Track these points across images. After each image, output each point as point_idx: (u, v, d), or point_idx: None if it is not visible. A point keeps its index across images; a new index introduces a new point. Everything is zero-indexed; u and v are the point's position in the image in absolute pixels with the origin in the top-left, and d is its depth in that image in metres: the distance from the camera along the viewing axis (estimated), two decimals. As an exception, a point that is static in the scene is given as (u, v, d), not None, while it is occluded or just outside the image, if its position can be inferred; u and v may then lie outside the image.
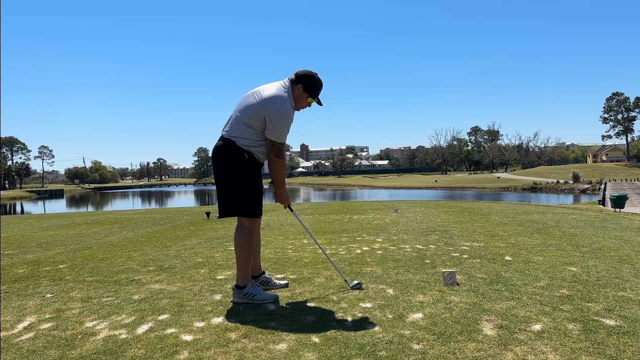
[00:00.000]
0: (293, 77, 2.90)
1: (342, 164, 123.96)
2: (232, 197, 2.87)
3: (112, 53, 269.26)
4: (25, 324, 2.66)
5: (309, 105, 2.96)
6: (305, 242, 5.36)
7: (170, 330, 2.44)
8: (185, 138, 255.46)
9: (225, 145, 2.85)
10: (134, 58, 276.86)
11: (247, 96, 2.90)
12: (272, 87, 2.86)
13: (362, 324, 2.44)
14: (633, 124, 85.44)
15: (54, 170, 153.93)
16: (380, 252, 4.50)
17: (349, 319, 2.53)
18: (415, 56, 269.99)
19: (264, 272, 3.18)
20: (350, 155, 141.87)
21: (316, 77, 2.91)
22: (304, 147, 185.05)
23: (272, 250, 4.78)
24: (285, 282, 3.24)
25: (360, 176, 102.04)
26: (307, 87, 2.88)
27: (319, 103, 2.96)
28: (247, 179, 2.86)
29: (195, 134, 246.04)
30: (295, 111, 2.93)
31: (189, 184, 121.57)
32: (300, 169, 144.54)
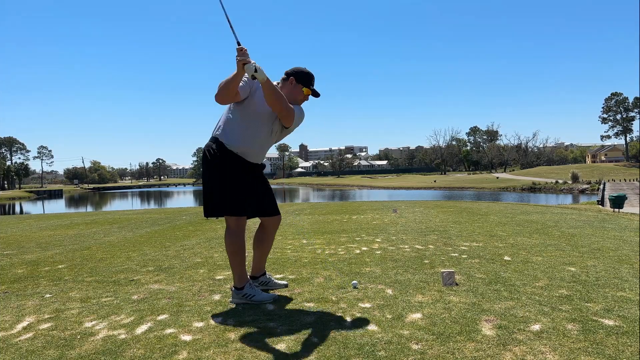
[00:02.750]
0: (284, 76, 2.93)
1: (341, 164, 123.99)
2: (215, 195, 2.82)
3: (111, 53, 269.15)
4: (24, 324, 2.65)
5: (307, 98, 2.93)
6: (304, 242, 5.36)
7: (169, 331, 2.44)
8: (184, 138, 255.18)
9: (214, 145, 2.84)
10: (133, 58, 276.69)
11: None
12: None
13: (361, 324, 2.44)
14: (632, 124, 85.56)
15: (53, 171, 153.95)
16: (379, 252, 4.50)
17: (348, 319, 2.53)
18: (414, 56, 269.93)
19: (264, 273, 3.18)
20: (349, 156, 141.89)
21: (306, 70, 2.93)
22: (303, 147, 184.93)
23: (271, 251, 4.78)
24: (285, 282, 3.24)
25: (359, 176, 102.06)
26: (299, 79, 2.89)
27: (316, 94, 2.93)
28: (231, 177, 2.80)
29: (194, 134, 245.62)
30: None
31: (188, 184, 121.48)
32: (299, 169, 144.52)
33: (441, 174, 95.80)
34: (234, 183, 2.83)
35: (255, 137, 2.82)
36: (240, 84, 2.73)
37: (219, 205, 2.83)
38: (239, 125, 2.81)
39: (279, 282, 3.21)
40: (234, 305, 2.84)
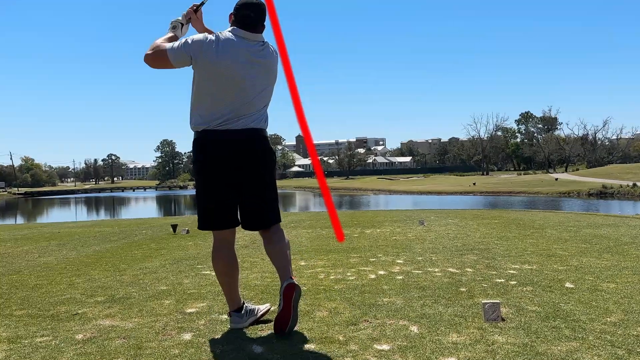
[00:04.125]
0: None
1: (350, 162, 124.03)
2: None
3: (47, 20, 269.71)
4: None
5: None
6: (303, 263, 5.37)
7: (124, 380, 2.44)
8: (143, 128, 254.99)
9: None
10: (76, 25, 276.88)
11: None
12: None
13: (377, 371, 2.44)
14: None
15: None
16: (400, 277, 4.52)
17: (360, 365, 2.53)
18: (446, 20, 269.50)
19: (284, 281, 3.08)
20: (361, 150, 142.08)
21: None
22: (300, 140, 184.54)
23: (258, 275, 4.79)
24: (267, 304, 3.45)
25: (375, 177, 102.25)
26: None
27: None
28: (199, 177, 3.10)
29: (157, 122, 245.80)
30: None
31: (150, 187, 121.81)
32: (295, 168, 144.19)
33: (482, 174, 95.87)
34: (205, 185, 3.10)
35: (197, 94, 3.14)
36: None
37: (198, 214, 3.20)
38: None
39: (256, 307, 3.32)
40: (210, 347, 2.85)
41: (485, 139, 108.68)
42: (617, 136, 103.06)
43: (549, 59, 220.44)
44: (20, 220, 39.50)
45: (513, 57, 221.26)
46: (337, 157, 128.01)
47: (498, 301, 3.24)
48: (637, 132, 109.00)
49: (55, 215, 43.47)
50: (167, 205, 52.75)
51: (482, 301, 3.38)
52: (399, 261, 5.38)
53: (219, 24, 3.23)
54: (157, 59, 3.04)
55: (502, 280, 4.27)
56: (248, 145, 3.02)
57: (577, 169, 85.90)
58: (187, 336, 3.06)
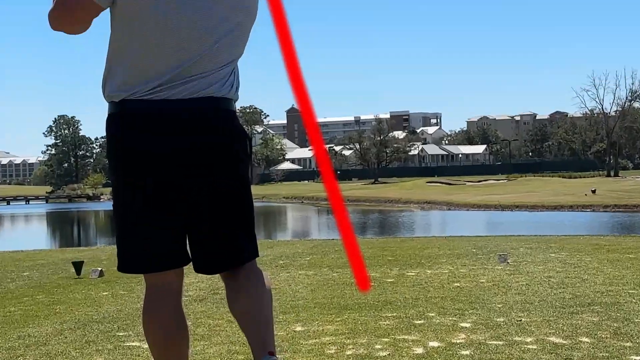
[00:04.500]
0: None
1: (381, 153, 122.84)
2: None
3: None
4: None
5: None
6: (300, 329, 5.38)
7: None
8: (26, 100, 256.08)
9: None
10: None
11: None
12: None
13: None
14: None
15: None
16: (467, 352, 4.53)
17: None
18: None
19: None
20: (399, 134, 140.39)
21: None
22: (295, 117, 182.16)
23: (223, 349, 4.82)
24: None
25: (424, 180, 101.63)
26: None
27: None
28: (118, 179, 2.98)
29: (50, 91, 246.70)
30: None
31: (37, 197, 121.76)
32: (286, 165, 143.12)
33: (607, 174, 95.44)
34: (126, 194, 3.00)
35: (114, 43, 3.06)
36: None
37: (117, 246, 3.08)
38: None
39: None
40: None
41: (613, 114, 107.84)
42: None
43: None
44: None
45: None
46: (357, 146, 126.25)
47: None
48: None
49: None
50: (65, 228, 52.73)
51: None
52: (464, 324, 5.38)
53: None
54: (69, 7, 2.82)
55: (642, 358, 4.27)
56: (201, 126, 2.98)
57: None
58: None
